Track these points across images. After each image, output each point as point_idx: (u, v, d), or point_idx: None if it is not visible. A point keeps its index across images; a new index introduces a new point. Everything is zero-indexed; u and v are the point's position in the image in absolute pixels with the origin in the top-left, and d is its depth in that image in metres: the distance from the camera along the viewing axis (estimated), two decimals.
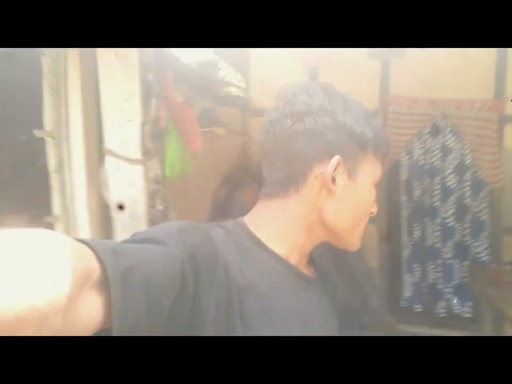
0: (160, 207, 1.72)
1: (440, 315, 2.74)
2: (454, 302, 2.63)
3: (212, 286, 0.46)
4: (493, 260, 2.64)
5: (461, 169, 2.81)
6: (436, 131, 2.88)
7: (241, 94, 3.31)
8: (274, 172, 0.58)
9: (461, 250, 2.74)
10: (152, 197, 1.70)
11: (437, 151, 2.85)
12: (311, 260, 0.64)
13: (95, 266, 0.34)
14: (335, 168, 0.54)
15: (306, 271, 0.60)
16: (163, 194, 1.74)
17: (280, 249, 0.56)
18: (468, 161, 2.81)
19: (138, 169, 1.64)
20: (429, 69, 2.91)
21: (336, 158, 0.54)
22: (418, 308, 2.81)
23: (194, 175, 2.13)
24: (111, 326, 0.34)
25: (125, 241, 0.43)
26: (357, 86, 2.96)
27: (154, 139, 1.72)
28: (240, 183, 2.90)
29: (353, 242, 0.61)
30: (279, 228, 0.57)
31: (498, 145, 2.77)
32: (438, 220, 2.79)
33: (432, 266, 2.80)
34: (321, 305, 0.60)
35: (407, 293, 2.81)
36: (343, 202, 0.56)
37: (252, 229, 0.57)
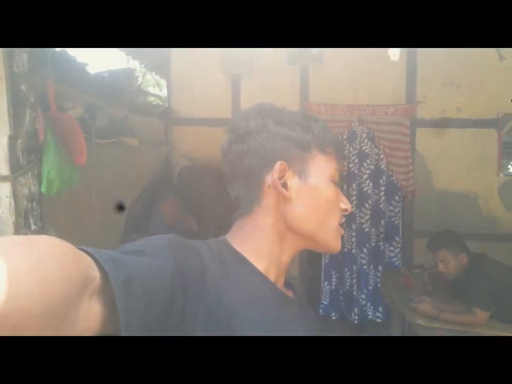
0: (34, 227, 1.60)
1: (355, 321, 2.76)
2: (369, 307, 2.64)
3: (200, 301, 0.47)
4: (404, 264, 2.69)
5: (376, 174, 2.86)
6: (353, 137, 2.92)
7: (160, 102, 3.21)
8: (237, 192, 0.62)
9: (376, 256, 2.77)
10: (24, 216, 1.57)
11: (354, 157, 2.88)
12: (290, 285, 0.66)
13: (95, 273, 0.35)
14: (283, 174, 0.58)
15: (285, 291, 0.62)
16: (39, 213, 1.62)
17: (260, 263, 0.58)
18: (383, 166, 2.86)
19: (6, 186, 1.51)
20: (345, 74, 2.95)
21: (278, 163, 0.58)
22: (334, 315, 2.81)
23: (89, 189, 2.00)
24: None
25: (117, 253, 0.44)
26: (278, 93, 2.97)
27: (30, 153, 1.59)
28: (159, 195, 2.79)
29: (331, 243, 0.62)
30: (256, 241, 0.59)
31: (409, 149, 2.84)
32: (354, 226, 2.82)
33: (348, 273, 2.81)
34: (300, 324, 0.61)
35: (325, 301, 2.80)
36: (303, 204, 0.59)
37: (234, 245, 0.59)
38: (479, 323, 1.93)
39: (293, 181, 0.58)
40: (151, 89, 3.14)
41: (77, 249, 0.35)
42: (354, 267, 2.78)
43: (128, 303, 0.37)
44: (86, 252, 0.36)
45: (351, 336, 0.46)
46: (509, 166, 2.86)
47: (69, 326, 0.32)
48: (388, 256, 2.78)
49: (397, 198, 2.82)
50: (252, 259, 0.58)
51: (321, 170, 0.60)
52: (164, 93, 3.20)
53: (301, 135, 0.60)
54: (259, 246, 0.59)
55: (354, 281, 2.77)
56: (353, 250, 2.77)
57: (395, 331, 2.52)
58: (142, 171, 2.83)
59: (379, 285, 2.66)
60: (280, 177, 0.58)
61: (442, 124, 2.89)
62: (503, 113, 2.84)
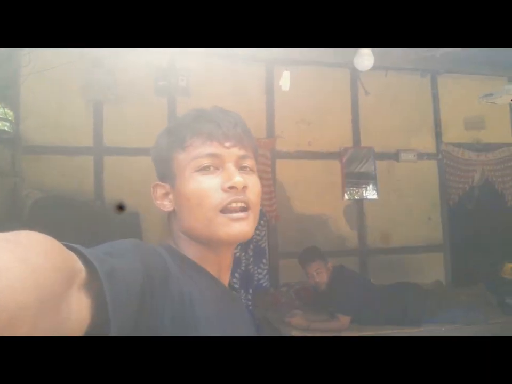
0: None
1: None
2: None
3: (166, 296, 0.49)
4: (271, 284, 2.89)
5: None
6: None
7: (8, 128, 2.82)
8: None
9: (246, 279, 2.90)
10: None
11: None
12: (231, 286, 0.69)
13: (79, 266, 0.37)
14: (155, 190, 0.62)
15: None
16: None
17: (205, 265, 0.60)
18: None
19: None
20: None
21: (151, 186, 0.62)
22: None
23: None
24: (100, 326, 0.37)
25: None
26: (144, 123, 2.93)
27: None
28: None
29: (221, 232, 0.57)
30: (194, 246, 0.60)
31: (271, 178, 3.12)
32: None
33: None
34: (245, 320, 0.64)
35: None
36: (180, 212, 0.60)
37: (178, 249, 0.61)
38: (344, 327, 2.20)
39: (160, 191, 0.62)
40: None
41: (60, 243, 0.36)
42: None
43: (113, 293, 0.39)
44: (69, 246, 0.37)
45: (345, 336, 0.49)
46: (350, 190, 3.38)
47: (62, 319, 0.33)
48: (256, 278, 2.93)
49: (262, 222, 3.03)
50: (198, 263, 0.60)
51: (181, 169, 0.58)
52: (11, 117, 2.83)
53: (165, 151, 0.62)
54: (198, 250, 0.61)
55: None
56: None
57: None
58: None
59: (251, 307, 2.77)
60: (161, 196, 0.61)
61: (297, 155, 3.26)
62: (344, 147, 3.37)
